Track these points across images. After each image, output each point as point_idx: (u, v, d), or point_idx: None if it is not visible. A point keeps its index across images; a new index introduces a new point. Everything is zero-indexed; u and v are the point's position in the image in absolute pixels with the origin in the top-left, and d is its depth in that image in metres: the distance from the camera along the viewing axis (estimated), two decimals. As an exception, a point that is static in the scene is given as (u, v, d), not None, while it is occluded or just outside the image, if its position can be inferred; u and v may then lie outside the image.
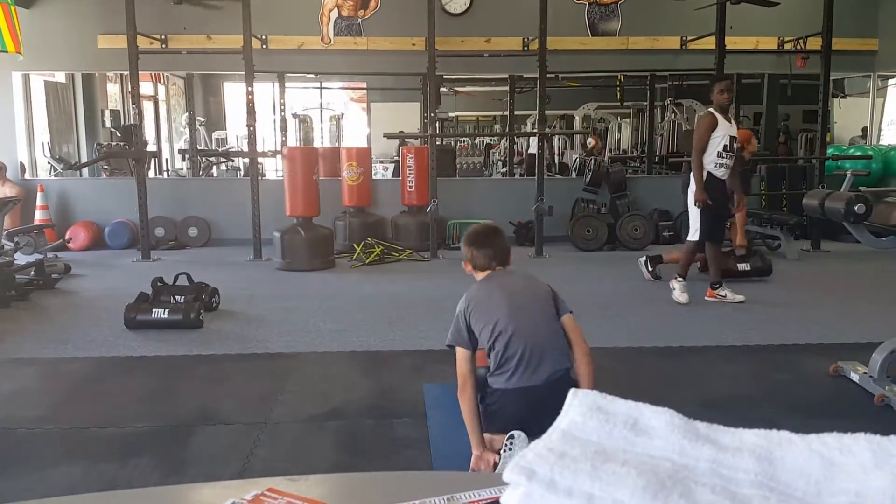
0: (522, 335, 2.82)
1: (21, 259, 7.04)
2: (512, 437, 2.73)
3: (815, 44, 8.84)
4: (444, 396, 3.78)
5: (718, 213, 5.78)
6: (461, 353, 2.88)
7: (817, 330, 5.06)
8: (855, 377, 3.89)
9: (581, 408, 0.58)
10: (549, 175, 9.75)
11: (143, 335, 4.94)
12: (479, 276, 3.10)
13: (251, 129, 8.00)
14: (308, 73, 11.00)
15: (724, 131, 5.64)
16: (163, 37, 8.80)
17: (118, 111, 10.82)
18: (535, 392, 2.76)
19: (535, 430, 2.62)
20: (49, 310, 5.85)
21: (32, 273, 6.51)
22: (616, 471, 0.49)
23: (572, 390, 0.60)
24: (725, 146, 5.64)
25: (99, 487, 2.75)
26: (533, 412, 2.69)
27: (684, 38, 9.31)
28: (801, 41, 9.18)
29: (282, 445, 3.23)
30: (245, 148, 8.64)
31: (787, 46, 9.36)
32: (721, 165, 5.67)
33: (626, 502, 0.47)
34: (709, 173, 5.66)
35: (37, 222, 8.61)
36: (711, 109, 5.74)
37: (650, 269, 6.82)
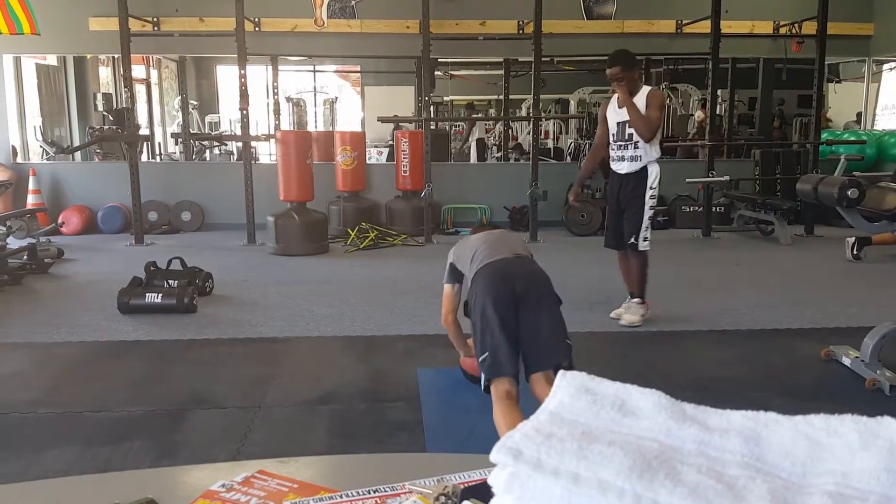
0: (497, 250, 2.99)
1: (13, 243, 7.01)
2: None
3: (810, 28, 8.82)
4: (437, 380, 3.79)
5: (611, 216, 4.95)
6: (447, 289, 3.39)
7: (809, 314, 5.08)
8: (847, 361, 3.91)
9: (569, 389, 0.58)
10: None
11: (136, 319, 4.93)
12: None
13: (244, 112, 7.96)
14: (301, 56, 10.93)
15: (612, 118, 4.82)
16: (155, 19, 8.73)
17: (110, 94, 10.76)
18: (511, 261, 2.92)
19: (508, 301, 2.75)
20: (42, 294, 5.83)
21: (25, 257, 6.48)
22: (602, 451, 0.49)
23: (561, 372, 0.60)
24: (614, 135, 4.81)
25: (92, 470, 2.75)
26: (509, 275, 2.83)
27: (679, 21, 9.28)
28: (796, 25, 9.16)
29: (275, 429, 3.23)
30: (238, 132, 8.59)
31: (783, 31, 9.34)
32: (613, 158, 4.85)
33: (612, 482, 0.47)
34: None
35: (29, 206, 8.56)
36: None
37: (855, 252, 6.73)
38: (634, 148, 4.70)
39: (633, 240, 4.73)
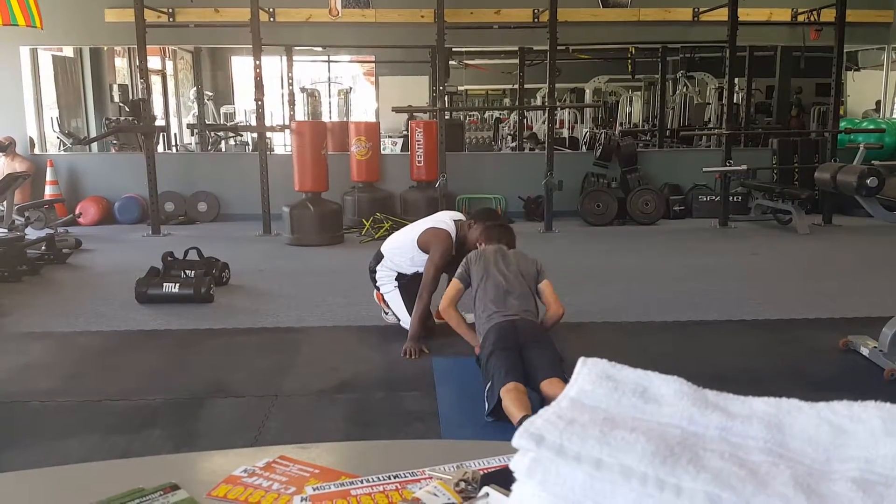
0: (509, 304, 3.46)
1: (32, 234, 7.08)
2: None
3: (828, 15, 8.72)
4: (453, 370, 3.80)
5: None
6: (455, 283, 3.70)
7: (828, 304, 5.04)
8: (865, 351, 3.88)
9: (590, 376, 0.58)
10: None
11: (153, 309, 4.97)
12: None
13: (259, 103, 7.98)
14: (316, 46, 10.94)
15: None
16: (170, 10, 8.74)
17: (126, 86, 10.81)
18: (513, 321, 3.36)
19: (514, 345, 3.20)
20: (60, 284, 5.89)
21: (43, 248, 6.54)
22: (625, 437, 0.49)
23: (581, 358, 0.60)
24: None
25: (112, 458, 2.78)
26: (514, 330, 3.30)
27: (696, 9, 9.17)
28: (814, 13, 9.04)
29: (293, 418, 3.26)
30: (253, 122, 8.62)
31: (801, 18, 9.22)
32: None
33: (635, 468, 0.47)
34: None
35: (47, 197, 8.63)
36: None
37: None
38: None
39: None
